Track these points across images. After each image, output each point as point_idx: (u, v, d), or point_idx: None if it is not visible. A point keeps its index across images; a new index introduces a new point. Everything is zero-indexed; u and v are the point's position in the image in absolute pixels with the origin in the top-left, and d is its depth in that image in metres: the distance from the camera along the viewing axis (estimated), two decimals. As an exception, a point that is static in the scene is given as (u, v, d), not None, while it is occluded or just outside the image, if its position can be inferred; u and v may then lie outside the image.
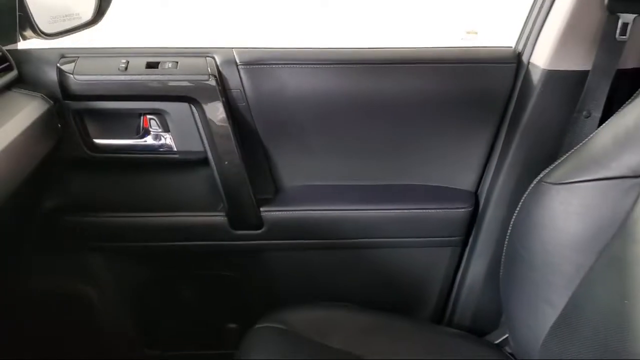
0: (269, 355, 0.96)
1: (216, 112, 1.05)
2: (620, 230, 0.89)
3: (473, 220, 1.20)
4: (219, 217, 1.13)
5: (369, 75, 1.11)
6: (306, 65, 1.09)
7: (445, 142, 1.16)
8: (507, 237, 1.02)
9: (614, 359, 0.76)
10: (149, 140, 1.09)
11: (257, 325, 1.02)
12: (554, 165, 0.99)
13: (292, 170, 1.17)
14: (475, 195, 1.21)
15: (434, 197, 1.19)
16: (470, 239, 1.22)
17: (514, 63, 1.12)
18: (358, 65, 1.10)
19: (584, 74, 1.05)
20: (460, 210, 1.18)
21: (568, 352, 0.90)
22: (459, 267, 1.25)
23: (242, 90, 1.07)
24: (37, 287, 1.15)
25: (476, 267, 1.21)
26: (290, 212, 1.15)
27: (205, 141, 1.07)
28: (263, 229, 1.15)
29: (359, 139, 1.15)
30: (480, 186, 1.21)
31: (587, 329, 0.89)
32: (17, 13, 1.01)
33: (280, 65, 1.08)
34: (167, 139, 1.09)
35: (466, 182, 1.21)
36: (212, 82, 1.04)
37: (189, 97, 1.05)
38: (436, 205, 1.18)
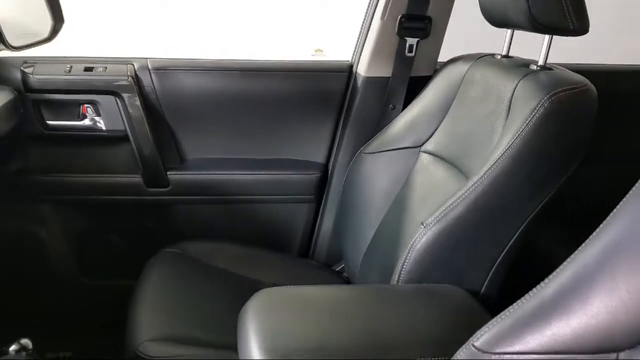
0: (168, 271, 1.40)
1: (133, 103, 1.51)
2: (405, 183, 1.37)
3: (324, 184, 1.67)
4: (136, 178, 1.58)
5: (244, 78, 1.58)
6: (199, 70, 1.56)
7: (301, 128, 1.63)
8: (341, 194, 1.50)
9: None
10: (86, 122, 1.53)
11: (161, 251, 1.47)
12: (369, 141, 1.47)
13: (191, 146, 1.62)
14: (326, 166, 1.68)
15: (294, 167, 1.65)
16: (323, 198, 1.69)
17: (347, 72, 1.60)
18: (236, 71, 1.57)
19: (388, 79, 1.54)
20: (313, 176, 1.65)
21: (372, 274, 1.33)
22: (316, 218, 1.71)
23: (152, 87, 1.53)
24: (2, 229, 1.57)
25: (328, 218, 1.68)
26: (190, 175, 1.60)
27: (126, 123, 1.52)
28: (169, 187, 1.60)
29: (239, 124, 1.61)
30: (329, 160, 1.68)
31: (380, 253, 1.34)
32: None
33: (180, 70, 1.54)
34: (99, 122, 1.54)
35: (319, 156, 1.67)
36: (131, 81, 1.49)
37: (114, 92, 1.50)
38: (295, 171, 1.64)
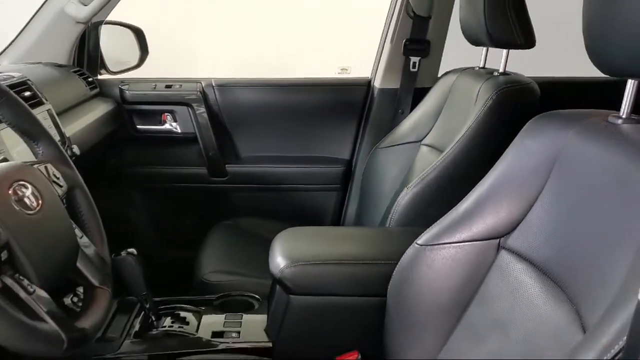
0: (224, 234, 1.83)
1: (201, 112, 1.97)
2: (409, 168, 1.75)
3: (348, 176, 2.08)
4: (202, 170, 2.03)
5: (285, 92, 2.03)
6: (252, 86, 2.02)
7: (329, 130, 2.06)
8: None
9: None
10: (166, 126, 2.01)
11: (219, 222, 1.91)
12: (383, 139, 1.87)
13: (245, 145, 2.07)
14: (350, 161, 2.09)
15: (323, 161, 2.07)
16: (348, 187, 2.09)
17: (366, 85, 2.02)
18: (279, 87, 2.03)
19: (397, 90, 1.95)
20: (339, 169, 2.06)
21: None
22: (342, 204, 2.11)
23: (216, 100, 2.00)
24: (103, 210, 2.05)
25: (352, 203, 2.08)
26: (244, 168, 2.05)
27: (195, 128, 1.99)
28: (228, 177, 2.04)
29: (281, 128, 2.05)
30: (353, 155, 2.09)
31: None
32: (99, 62, 1.97)
33: (237, 86, 2.00)
34: (175, 127, 2.01)
35: (344, 152, 2.08)
36: (199, 95, 1.96)
37: (187, 103, 1.97)
38: (324, 165, 2.06)
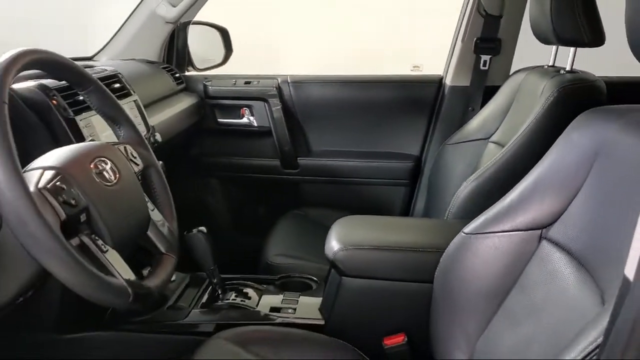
0: (293, 222, 1.93)
1: (277, 107, 2.09)
2: (476, 164, 1.78)
3: (417, 171, 2.12)
4: (275, 162, 2.15)
5: (357, 89, 2.10)
6: (325, 83, 2.11)
7: (399, 126, 2.11)
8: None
9: None
10: (244, 120, 2.14)
11: (289, 211, 2.01)
12: (452, 135, 1.90)
13: (316, 139, 2.17)
14: (419, 157, 2.13)
15: (393, 157, 2.12)
16: (417, 183, 2.13)
17: (437, 83, 2.06)
18: (351, 83, 2.10)
19: (467, 87, 1.97)
20: (407, 164, 2.10)
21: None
22: (411, 199, 2.15)
23: (290, 96, 2.10)
24: (185, 196, 2.22)
25: (420, 199, 2.11)
26: (314, 161, 2.14)
27: (270, 122, 2.11)
28: (299, 169, 2.14)
29: (352, 123, 2.13)
30: (423, 151, 2.13)
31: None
32: (186, 59, 2.14)
33: (310, 83, 2.10)
34: (252, 120, 2.14)
35: (413, 149, 2.13)
36: (275, 92, 2.08)
37: (264, 99, 2.09)
38: (393, 160, 2.11)
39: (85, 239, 0.83)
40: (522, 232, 1.03)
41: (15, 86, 1.14)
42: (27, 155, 0.88)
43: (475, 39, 1.92)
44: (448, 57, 2.05)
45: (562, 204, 0.97)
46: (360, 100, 2.10)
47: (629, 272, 0.55)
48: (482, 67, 1.93)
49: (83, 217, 0.84)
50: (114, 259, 0.86)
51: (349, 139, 2.15)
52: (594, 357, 0.66)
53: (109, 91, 1.07)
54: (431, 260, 1.17)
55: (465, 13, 1.96)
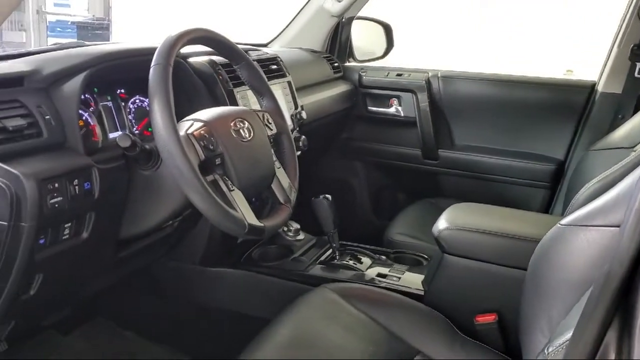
0: (421, 208, 2.05)
1: (424, 99, 2.20)
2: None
3: (560, 175, 2.09)
4: (417, 151, 2.26)
5: (506, 88, 2.14)
6: (475, 80, 2.18)
7: (544, 128, 2.10)
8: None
9: None
10: (391, 109, 2.29)
11: (421, 200, 2.12)
12: (596, 142, 1.87)
13: (459, 133, 2.24)
14: (563, 161, 2.10)
15: (534, 158, 2.11)
16: (558, 187, 2.10)
17: (589, 88, 2.02)
18: (500, 82, 2.14)
19: (619, 95, 1.91)
20: (549, 167, 2.08)
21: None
22: (550, 203, 2.13)
23: (439, 90, 2.21)
24: (331, 176, 2.43)
25: (559, 204, 2.09)
26: (455, 154, 2.21)
27: (416, 113, 2.23)
28: (438, 161, 2.24)
29: (496, 121, 2.17)
30: (567, 156, 2.09)
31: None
32: (347, 51, 2.35)
33: (461, 79, 2.18)
34: (400, 110, 2.28)
35: (556, 152, 2.10)
36: (424, 85, 2.20)
37: (412, 90, 2.22)
38: (534, 161, 2.10)
39: (217, 178, 1.06)
40: (616, 228, 1.06)
41: (191, 60, 1.43)
42: (192, 111, 1.13)
43: (632, 45, 1.85)
44: (603, 63, 2.00)
45: None
46: (508, 99, 2.14)
47: None
48: (636, 75, 1.86)
49: (218, 161, 1.07)
50: (238, 198, 1.07)
51: (492, 136, 2.19)
52: None
53: (257, 67, 1.29)
54: (527, 248, 1.23)
55: (625, 19, 1.90)
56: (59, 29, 8.14)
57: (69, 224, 1.03)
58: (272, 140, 1.25)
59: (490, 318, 1.30)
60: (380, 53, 2.49)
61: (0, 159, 0.93)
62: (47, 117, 1.03)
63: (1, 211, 0.92)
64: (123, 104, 1.30)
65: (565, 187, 2.04)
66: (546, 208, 2.14)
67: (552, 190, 2.12)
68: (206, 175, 1.04)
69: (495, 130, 2.19)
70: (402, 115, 2.27)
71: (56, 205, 0.96)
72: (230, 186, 1.07)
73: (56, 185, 0.97)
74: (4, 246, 0.94)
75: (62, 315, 1.47)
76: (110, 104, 1.27)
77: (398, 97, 2.27)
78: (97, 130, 1.20)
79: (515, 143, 2.16)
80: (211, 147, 1.05)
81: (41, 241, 0.98)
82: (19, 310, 1.10)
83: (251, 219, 1.07)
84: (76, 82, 1.09)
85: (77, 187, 1.01)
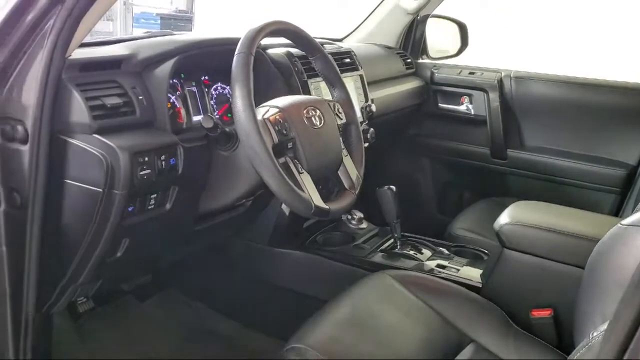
0: (484, 208, 2.06)
1: (495, 98, 2.21)
2: None
3: (631, 180, 2.04)
4: (485, 150, 2.26)
5: (579, 91, 2.11)
6: (548, 81, 2.16)
7: (618, 134, 2.06)
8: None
9: None
10: (462, 107, 2.30)
11: (486, 199, 2.14)
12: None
13: (529, 134, 2.23)
14: (636, 167, 2.05)
15: (605, 162, 2.07)
16: (628, 193, 2.06)
17: None
18: (574, 84, 2.12)
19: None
20: (620, 172, 2.04)
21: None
22: (620, 208, 2.09)
23: (510, 89, 2.21)
24: (397, 170, 2.48)
25: (628, 208, 2.04)
26: (524, 155, 2.20)
27: (487, 112, 2.24)
28: (507, 161, 2.24)
29: (568, 123, 2.14)
30: (640, 162, 2.05)
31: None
32: (420, 48, 2.39)
33: (534, 80, 2.18)
34: (470, 108, 2.29)
35: (629, 158, 2.06)
36: (496, 84, 2.20)
37: (484, 89, 2.23)
38: (605, 166, 2.06)
39: (289, 160, 1.15)
40: None
41: (270, 51, 1.52)
42: (268, 98, 1.23)
43: None
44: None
45: None
46: (581, 103, 2.11)
47: None
48: None
49: (290, 145, 1.15)
50: (306, 180, 1.16)
51: (562, 138, 2.17)
52: None
53: (331, 59, 1.37)
54: (586, 247, 1.24)
55: None
56: (143, 20, 8.51)
57: (155, 195, 1.14)
58: (341, 129, 1.33)
59: (545, 313, 1.33)
60: (454, 51, 2.51)
61: (99, 132, 1.05)
62: (140, 97, 1.15)
63: (97, 179, 1.04)
64: (206, 89, 1.41)
65: (636, 193, 2.00)
66: (615, 213, 2.10)
67: (622, 196, 2.08)
68: (279, 157, 1.13)
69: (566, 133, 2.16)
70: (473, 113, 2.29)
71: (145, 177, 1.08)
72: (300, 169, 1.15)
73: (146, 159, 1.08)
74: (98, 211, 1.06)
75: (142, 280, 1.61)
76: (194, 89, 1.38)
77: (469, 95, 2.29)
78: (182, 112, 1.31)
79: (586, 146, 2.14)
80: (284, 132, 1.14)
81: (130, 209, 1.09)
82: (105, 271, 1.22)
83: (317, 200, 1.15)
84: (166, 67, 1.20)
85: (164, 162, 1.11)
